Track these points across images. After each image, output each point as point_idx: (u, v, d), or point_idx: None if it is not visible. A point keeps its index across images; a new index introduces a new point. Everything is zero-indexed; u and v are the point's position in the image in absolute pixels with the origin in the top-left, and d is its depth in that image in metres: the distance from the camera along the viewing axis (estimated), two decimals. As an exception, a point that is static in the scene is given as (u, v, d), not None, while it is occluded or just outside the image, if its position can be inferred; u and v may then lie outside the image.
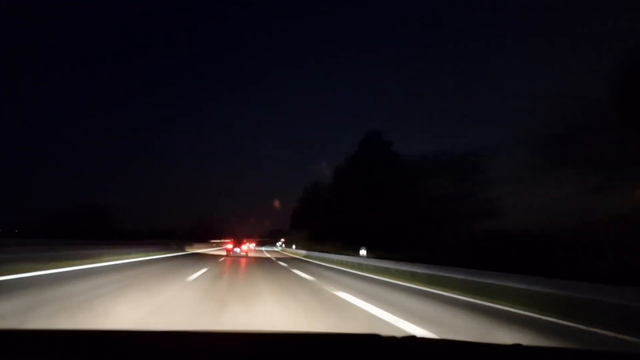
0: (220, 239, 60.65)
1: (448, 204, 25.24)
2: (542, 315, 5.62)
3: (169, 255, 18.42)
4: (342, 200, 37.54)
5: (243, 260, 18.21)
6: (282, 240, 70.53)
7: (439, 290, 8.56)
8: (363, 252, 21.82)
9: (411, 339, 1.46)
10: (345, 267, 17.07)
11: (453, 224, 23.39)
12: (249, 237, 32.88)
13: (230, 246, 24.51)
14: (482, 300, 7.12)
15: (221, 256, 21.24)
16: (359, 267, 16.59)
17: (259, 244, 69.32)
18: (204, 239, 50.14)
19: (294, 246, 47.93)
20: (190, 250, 28.10)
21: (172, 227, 70.09)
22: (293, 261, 21.03)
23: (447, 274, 10.43)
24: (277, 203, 79.72)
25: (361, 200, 32.52)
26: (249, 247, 26.04)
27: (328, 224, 38.66)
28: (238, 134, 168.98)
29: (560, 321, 5.22)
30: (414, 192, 28.36)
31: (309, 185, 57.67)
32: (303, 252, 35.81)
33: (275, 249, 62.77)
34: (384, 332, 1.53)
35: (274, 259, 22.77)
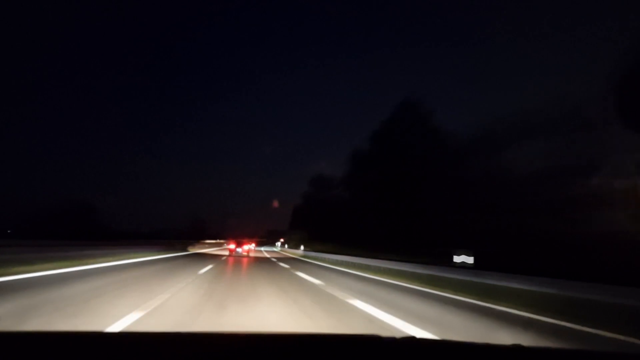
0: (216, 239, 60.10)
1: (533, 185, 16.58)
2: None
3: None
4: (361, 192, 29.97)
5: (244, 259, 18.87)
6: (281, 240, 70.64)
7: None
8: (466, 259, 12.19)
9: (411, 340, 1.46)
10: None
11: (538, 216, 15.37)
12: (249, 237, 33.60)
13: (232, 246, 25.39)
14: None
15: (225, 255, 22.18)
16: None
17: (258, 244, 69.38)
18: (202, 239, 49.88)
19: (301, 247, 39.08)
20: (194, 250, 28.83)
21: (170, 228, 69.92)
22: (331, 277, 11.02)
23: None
24: (276, 203, 79.81)
25: (389, 192, 24.99)
26: (250, 248, 27.31)
27: (342, 223, 32.84)
28: (236, 134, 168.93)
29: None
30: (468, 176, 19.90)
31: (315, 176, 52.50)
32: (332, 257, 21.80)
33: (274, 249, 62.78)
34: None
35: (292, 269, 13.75)
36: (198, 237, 52.82)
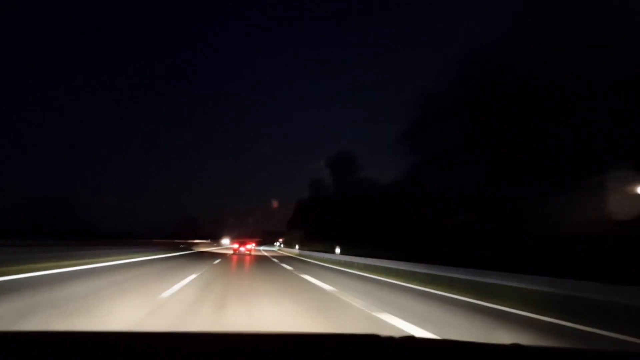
0: (209, 239, 59.46)
1: None
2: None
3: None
4: (438, 152, 20.48)
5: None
6: (280, 240, 71.41)
7: None
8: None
9: (410, 339, 1.46)
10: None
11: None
12: (251, 238, 37.03)
13: (236, 246, 29.56)
14: None
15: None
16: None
17: (257, 244, 69.60)
18: (192, 239, 49.58)
19: (337, 249, 26.24)
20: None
21: (163, 227, 69.13)
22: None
23: None
24: (275, 203, 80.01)
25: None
26: (251, 247, 30.85)
27: (375, 211, 26.95)
28: (235, 134, 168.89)
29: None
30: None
31: (338, 154, 43.21)
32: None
33: (272, 248, 63.40)
34: None
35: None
36: (187, 237, 51.62)
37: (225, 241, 56.43)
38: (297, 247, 49.41)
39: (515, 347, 1.36)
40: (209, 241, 55.03)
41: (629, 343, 4.15)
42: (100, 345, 1.26)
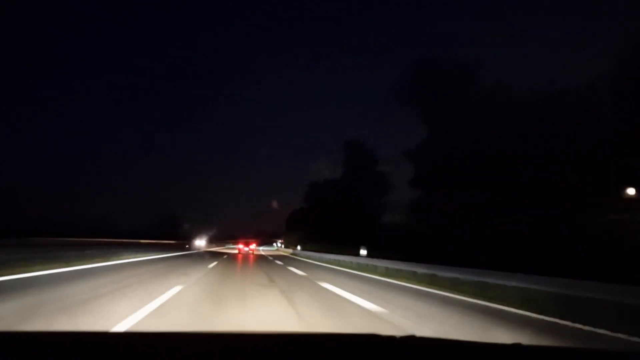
0: (188, 239, 54.25)
1: None
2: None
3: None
4: None
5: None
6: (280, 241, 71.75)
7: None
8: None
9: (410, 339, 1.46)
10: None
11: None
12: (252, 238, 42.23)
13: (241, 246, 35.75)
14: None
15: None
16: None
17: (256, 245, 69.70)
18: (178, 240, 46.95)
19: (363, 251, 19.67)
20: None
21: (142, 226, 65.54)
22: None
23: None
24: (275, 203, 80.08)
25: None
26: (254, 247, 37.21)
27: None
28: (235, 135, 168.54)
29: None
30: None
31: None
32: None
33: (271, 248, 63.93)
34: None
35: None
36: (164, 237, 45.63)
37: (200, 243, 45.96)
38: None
39: (515, 347, 1.36)
40: (175, 242, 44.65)
41: (629, 342, 4.16)
42: (101, 346, 1.25)
